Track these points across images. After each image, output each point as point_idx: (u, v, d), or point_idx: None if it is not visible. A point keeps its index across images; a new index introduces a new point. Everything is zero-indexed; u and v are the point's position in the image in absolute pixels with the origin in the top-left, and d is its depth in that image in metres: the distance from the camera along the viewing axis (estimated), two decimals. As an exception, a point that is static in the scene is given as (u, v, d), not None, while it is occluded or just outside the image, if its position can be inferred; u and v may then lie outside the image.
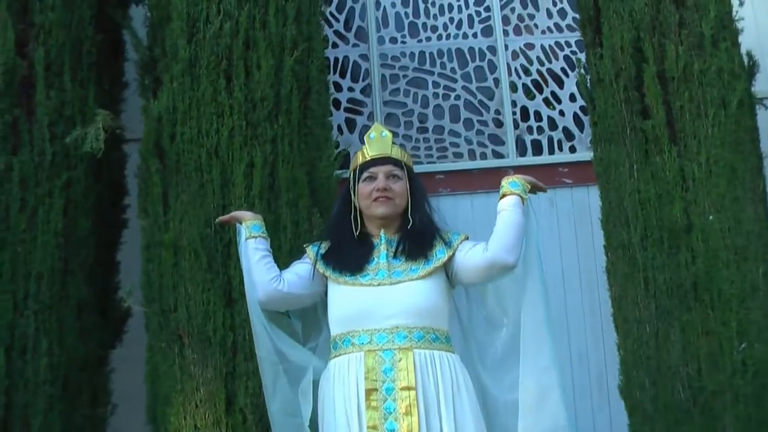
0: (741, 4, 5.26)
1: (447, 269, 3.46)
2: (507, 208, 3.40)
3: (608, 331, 5.69)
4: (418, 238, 3.47)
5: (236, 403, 4.47)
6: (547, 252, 5.91)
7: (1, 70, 4.77)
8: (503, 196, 3.44)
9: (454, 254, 3.44)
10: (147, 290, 4.76)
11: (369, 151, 3.53)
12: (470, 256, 3.40)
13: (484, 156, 6.30)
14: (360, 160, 3.54)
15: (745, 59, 5.09)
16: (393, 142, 3.57)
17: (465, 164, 6.27)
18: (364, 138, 3.59)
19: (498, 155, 6.29)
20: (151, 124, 4.76)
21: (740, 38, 5.14)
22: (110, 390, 5.03)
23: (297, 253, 4.53)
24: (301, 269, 3.59)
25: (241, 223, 3.66)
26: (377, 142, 3.54)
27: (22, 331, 4.64)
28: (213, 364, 4.50)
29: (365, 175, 3.49)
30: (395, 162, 3.50)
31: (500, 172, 6.11)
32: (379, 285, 3.37)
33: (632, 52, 5.02)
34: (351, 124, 6.28)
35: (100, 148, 4.69)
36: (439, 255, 3.44)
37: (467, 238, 3.52)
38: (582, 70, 5.44)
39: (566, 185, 6.20)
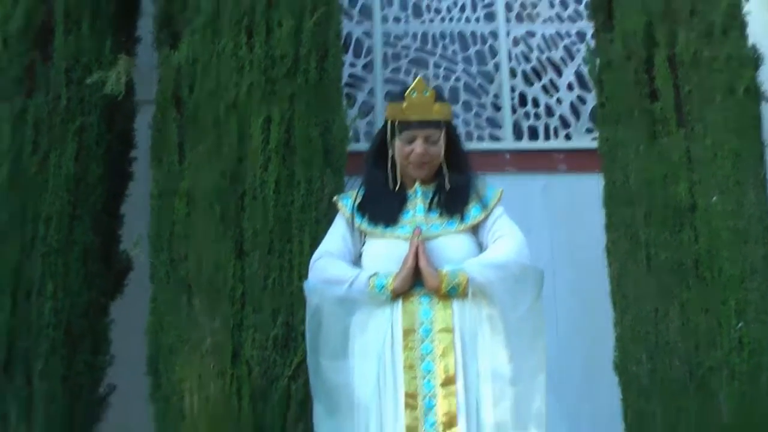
0: (747, -1, 5.40)
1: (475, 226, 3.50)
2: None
3: (597, 316, 5.79)
4: (454, 193, 3.48)
5: (242, 355, 4.47)
6: (539, 236, 6.05)
7: (21, 13, 4.77)
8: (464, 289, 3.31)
9: (486, 218, 3.47)
10: (155, 239, 4.74)
11: (409, 111, 3.42)
12: (492, 244, 3.44)
13: (481, 138, 6.38)
14: (398, 115, 3.44)
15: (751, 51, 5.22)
16: (434, 99, 3.46)
17: (462, 145, 6.32)
18: (405, 94, 3.43)
19: (495, 138, 6.38)
20: (169, 74, 4.77)
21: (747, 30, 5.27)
22: (110, 339, 5.01)
23: (309, 210, 4.63)
24: (340, 244, 3.53)
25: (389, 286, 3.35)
26: (419, 101, 3.42)
27: (29, 274, 4.63)
28: (221, 315, 4.51)
29: (404, 134, 3.42)
30: (435, 124, 3.44)
31: (497, 155, 6.25)
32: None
33: (644, 36, 5.12)
34: (351, 100, 6.32)
35: (121, 91, 4.72)
36: (475, 213, 3.46)
37: (500, 198, 3.54)
38: (590, 53, 5.52)
39: (561, 171, 6.30)
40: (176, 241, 4.65)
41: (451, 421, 3.21)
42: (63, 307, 4.68)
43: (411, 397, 3.23)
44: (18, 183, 4.69)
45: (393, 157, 3.50)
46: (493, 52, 6.53)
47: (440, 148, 3.46)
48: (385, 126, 3.54)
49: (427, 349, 3.27)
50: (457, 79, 6.48)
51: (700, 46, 5.03)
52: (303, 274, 3.70)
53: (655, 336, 4.81)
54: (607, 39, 5.26)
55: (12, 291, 4.60)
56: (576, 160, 6.26)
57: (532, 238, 3.49)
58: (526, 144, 6.38)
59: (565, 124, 6.44)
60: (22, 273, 4.63)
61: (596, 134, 5.52)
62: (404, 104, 3.45)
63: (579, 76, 6.49)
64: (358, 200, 3.56)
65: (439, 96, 3.51)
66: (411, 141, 3.43)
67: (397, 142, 3.46)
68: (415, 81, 3.49)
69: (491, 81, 6.49)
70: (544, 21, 6.62)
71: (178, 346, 4.56)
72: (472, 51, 6.54)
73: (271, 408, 4.43)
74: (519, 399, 3.27)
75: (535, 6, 6.63)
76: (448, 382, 3.23)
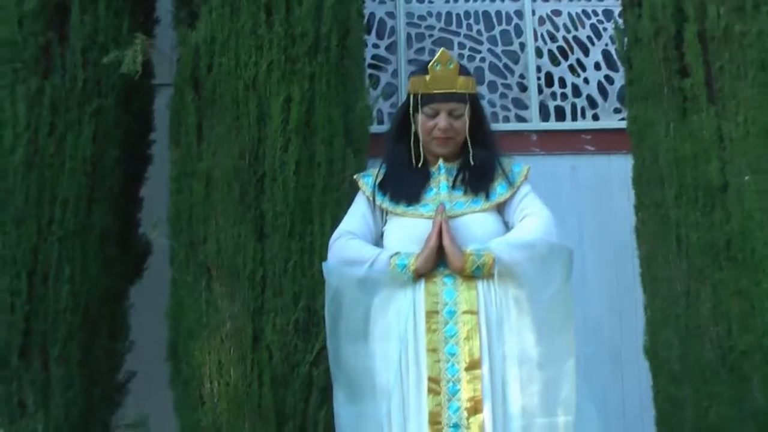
0: (778, -27, 5.24)
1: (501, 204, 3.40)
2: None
3: (625, 298, 5.70)
4: (479, 170, 3.39)
5: (263, 340, 4.40)
6: (566, 218, 5.94)
7: (36, -8, 4.70)
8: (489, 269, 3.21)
9: (513, 196, 3.39)
10: (174, 222, 4.68)
11: (433, 84, 3.33)
12: (519, 223, 3.35)
13: (507, 119, 6.26)
14: (422, 88, 3.35)
15: (782, 27, 5.07)
16: (458, 72, 3.37)
17: (488, 126, 6.22)
18: (428, 66, 3.36)
19: (521, 119, 6.26)
20: (188, 54, 4.68)
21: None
22: (129, 324, 4.94)
23: (330, 192, 4.53)
24: (361, 223, 3.46)
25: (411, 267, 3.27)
26: (442, 73, 3.33)
27: (46, 257, 4.56)
28: (241, 299, 4.44)
29: (427, 109, 3.34)
30: (459, 97, 3.35)
31: (523, 136, 6.14)
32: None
33: (673, 11, 4.96)
34: (374, 81, 6.21)
35: (137, 70, 4.62)
36: (501, 191, 3.38)
37: (527, 176, 3.46)
38: (618, 31, 5.39)
39: (588, 152, 6.19)
40: (195, 223, 4.58)
41: (476, 407, 3.12)
42: (81, 291, 4.62)
43: (434, 382, 3.15)
44: (34, 165, 4.61)
45: (416, 132, 3.40)
46: (519, 32, 6.40)
47: (464, 122, 3.36)
48: (407, 100, 3.44)
49: (451, 332, 3.18)
50: (482, 60, 6.35)
51: (731, 21, 4.85)
52: (324, 257, 3.59)
53: (685, 319, 4.68)
54: (635, 15, 5.11)
55: (28, 274, 4.53)
56: (604, 141, 6.14)
57: (559, 220, 3.41)
58: (552, 124, 6.26)
59: (593, 104, 6.31)
60: (38, 256, 4.56)
61: (624, 114, 5.41)
62: (427, 77, 3.36)
63: (606, 55, 6.35)
64: (380, 178, 3.47)
65: (463, 69, 3.42)
66: (434, 115, 3.35)
67: (420, 117, 3.37)
68: (439, 53, 3.40)
69: (517, 61, 6.36)
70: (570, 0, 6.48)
71: (198, 331, 4.49)
72: (497, 30, 6.40)
73: (292, 394, 4.36)
74: (547, 384, 3.17)
75: (560, -16, 6.51)
76: (473, 366, 3.14)
